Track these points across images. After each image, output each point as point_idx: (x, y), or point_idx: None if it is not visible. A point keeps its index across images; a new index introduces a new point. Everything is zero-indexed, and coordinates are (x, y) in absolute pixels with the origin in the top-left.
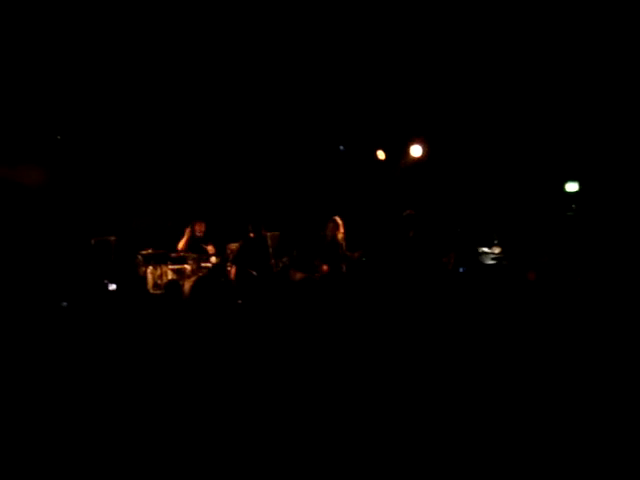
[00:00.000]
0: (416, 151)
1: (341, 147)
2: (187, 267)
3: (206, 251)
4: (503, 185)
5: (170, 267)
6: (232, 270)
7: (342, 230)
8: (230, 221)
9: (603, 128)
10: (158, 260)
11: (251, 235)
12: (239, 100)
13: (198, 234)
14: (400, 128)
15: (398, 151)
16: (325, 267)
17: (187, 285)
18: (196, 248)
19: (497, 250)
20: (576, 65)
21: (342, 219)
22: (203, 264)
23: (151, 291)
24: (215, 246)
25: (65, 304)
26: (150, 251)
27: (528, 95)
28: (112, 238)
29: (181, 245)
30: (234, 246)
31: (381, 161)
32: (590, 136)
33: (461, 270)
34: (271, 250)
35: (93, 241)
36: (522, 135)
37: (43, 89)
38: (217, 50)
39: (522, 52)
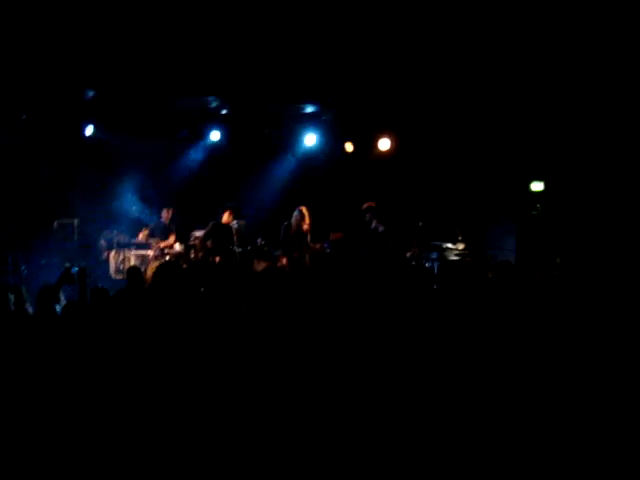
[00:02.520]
0: (384, 144)
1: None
2: (150, 253)
3: (170, 237)
4: (468, 181)
5: (133, 253)
6: (197, 257)
7: (308, 221)
8: (195, 208)
9: (568, 126)
10: (121, 245)
11: (223, 221)
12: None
13: (164, 220)
14: (368, 121)
15: (366, 143)
16: (284, 259)
17: (149, 271)
18: (161, 234)
19: (461, 246)
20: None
21: (308, 210)
22: (166, 251)
23: (113, 276)
24: (177, 233)
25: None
26: (114, 234)
27: (497, 92)
28: (75, 221)
29: (142, 235)
30: (199, 233)
31: (349, 153)
32: (556, 135)
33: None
34: (236, 238)
35: (56, 223)
36: (488, 131)
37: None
38: None
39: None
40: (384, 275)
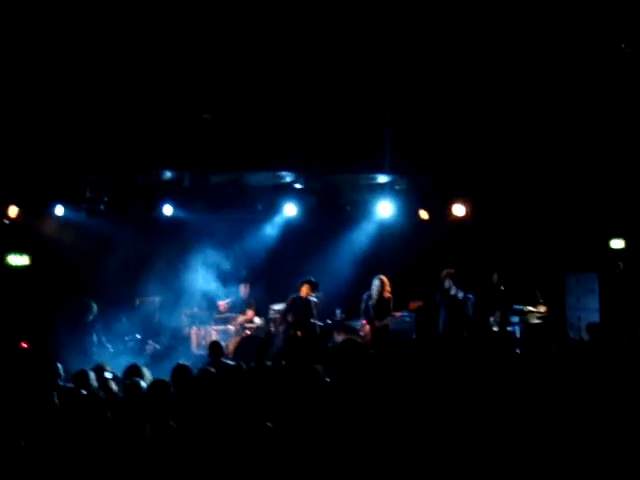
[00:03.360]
0: (459, 210)
1: None
2: (231, 327)
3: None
4: (546, 242)
5: (214, 328)
6: (277, 330)
7: (389, 289)
8: (272, 283)
9: None
10: (202, 321)
11: (301, 295)
12: None
13: (242, 295)
14: (442, 188)
15: (440, 210)
16: (368, 329)
17: (231, 346)
18: (240, 309)
19: (542, 309)
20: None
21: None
22: (247, 325)
23: (195, 351)
24: (257, 308)
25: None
26: (195, 311)
27: (572, 152)
28: (156, 299)
29: (223, 305)
30: (277, 307)
31: (424, 221)
32: (635, 191)
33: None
34: (315, 312)
35: (137, 301)
36: (566, 189)
37: None
38: None
39: (561, 108)
40: (465, 343)
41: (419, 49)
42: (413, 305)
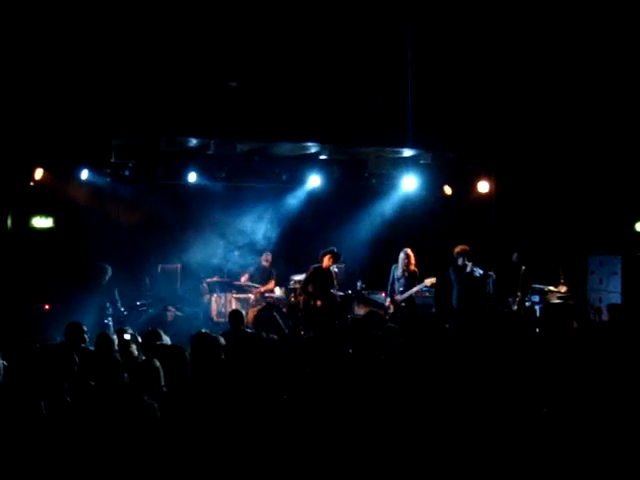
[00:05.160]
0: (483, 187)
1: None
2: (251, 296)
3: (270, 282)
4: (570, 222)
5: (234, 296)
6: (297, 301)
7: (413, 262)
8: (294, 253)
9: None
10: (223, 289)
11: (323, 265)
12: None
13: (264, 264)
14: (467, 164)
15: (465, 186)
16: (389, 301)
17: (250, 314)
18: (261, 278)
19: (563, 289)
20: None
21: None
22: (267, 295)
23: (215, 319)
24: (277, 277)
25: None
26: (215, 279)
27: (599, 132)
28: (178, 265)
29: (245, 277)
30: (298, 277)
31: (448, 196)
32: None
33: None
34: (336, 282)
35: (159, 268)
36: (591, 170)
37: None
38: None
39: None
40: (483, 320)
41: (444, 23)
42: (428, 281)
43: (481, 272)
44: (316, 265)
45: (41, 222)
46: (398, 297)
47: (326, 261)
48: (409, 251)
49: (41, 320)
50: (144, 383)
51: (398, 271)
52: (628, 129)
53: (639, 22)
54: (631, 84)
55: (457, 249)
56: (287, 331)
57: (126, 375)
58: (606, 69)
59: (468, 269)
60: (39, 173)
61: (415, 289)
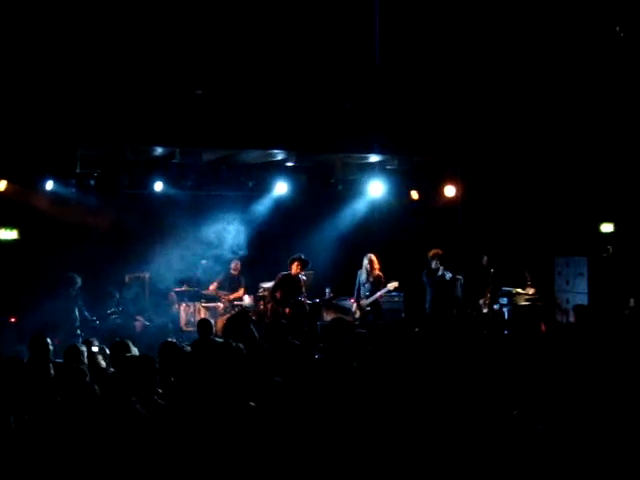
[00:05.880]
0: (449, 191)
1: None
2: (220, 305)
3: (239, 290)
4: (536, 224)
5: (203, 305)
6: (266, 308)
7: (377, 267)
8: (263, 260)
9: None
10: (191, 298)
11: (292, 272)
12: None
13: (233, 272)
14: (433, 168)
15: (431, 191)
16: (356, 306)
17: (219, 324)
18: (230, 286)
19: (531, 291)
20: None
21: (377, 257)
22: (236, 303)
23: (184, 328)
24: (246, 286)
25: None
26: (184, 289)
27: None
28: (146, 275)
29: (213, 285)
30: (267, 285)
31: (414, 201)
32: (624, 175)
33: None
34: (304, 289)
35: (127, 277)
36: (556, 172)
37: None
38: None
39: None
40: (453, 323)
41: (409, 28)
42: (391, 285)
43: (450, 275)
44: (284, 272)
45: (6, 234)
46: (363, 302)
47: (294, 268)
48: (372, 256)
49: (8, 333)
50: (114, 395)
51: (363, 276)
52: (593, 130)
53: (605, 24)
54: (596, 83)
55: (430, 253)
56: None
57: (97, 387)
58: (569, 68)
59: (440, 272)
60: (3, 184)
61: (379, 293)
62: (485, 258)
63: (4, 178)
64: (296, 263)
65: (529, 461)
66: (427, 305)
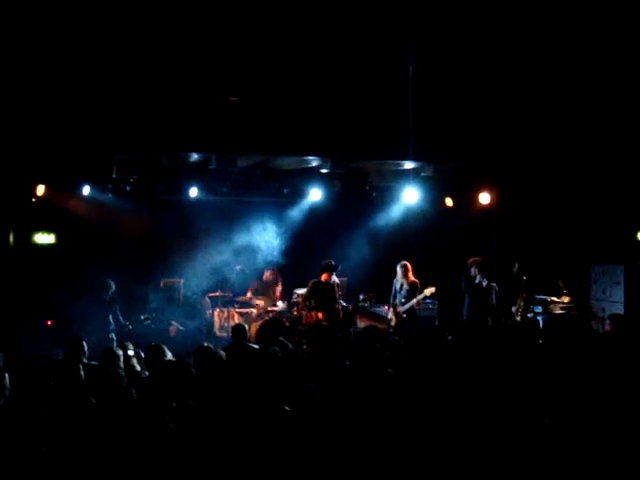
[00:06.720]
0: (484, 198)
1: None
2: (254, 311)
3: (273, 296)
4: (572, 232)
5: (237, 310)
6: (299, 314)
7: (411, 273)
8: (298, 267)
9: None
10: (225, 303)
11: (322, 279)
12: None
13: (267, 278)
14: (468, 175)
15: (466, 198)
16: (392, 313)
17: (253, 329)
18: (264, 293)
19: (566, 299)
20: None
21: (412, 264)
22: (270, 308)
23: (217, 333)
24: (282, 292)
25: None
26: (218, 294)
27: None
28: (181, 280)
29: (250, 290)
30: (301, 291)
31: (449, 208)
32: None
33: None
34: (338, 295)
35: (162, 283)
36: (593, 180)
37: None
38: None
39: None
40: (488, 331)
41: (445, 35)
42: (427, 291)
43: (486, 283)
44: (315, 280)
45: (43, 238)
46: (400, 308)
47: (324, 276)
48: (406, 263)
49: (44, 336)
50: (152, 399)
51: (398, 284)
52: (630, 138)
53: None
54: (632, 93)
55: (470, 260)
56: (291, 346)
57: (134, 391)
58: (607, 78)
59: (477, 280)
60: (41, 189)
61: (416, 299)
62: (516, 265)
63: (42, 183)
64: (325, 272)
65: (562, 469)
66: (464, 312)
